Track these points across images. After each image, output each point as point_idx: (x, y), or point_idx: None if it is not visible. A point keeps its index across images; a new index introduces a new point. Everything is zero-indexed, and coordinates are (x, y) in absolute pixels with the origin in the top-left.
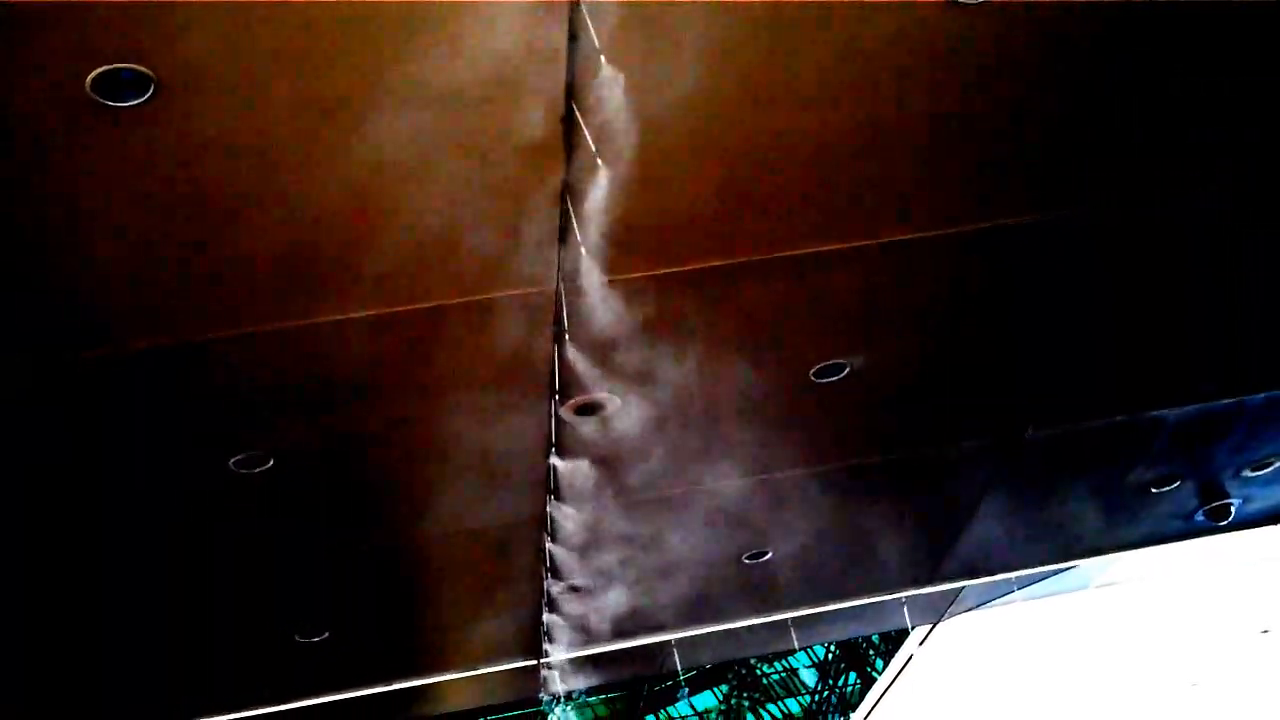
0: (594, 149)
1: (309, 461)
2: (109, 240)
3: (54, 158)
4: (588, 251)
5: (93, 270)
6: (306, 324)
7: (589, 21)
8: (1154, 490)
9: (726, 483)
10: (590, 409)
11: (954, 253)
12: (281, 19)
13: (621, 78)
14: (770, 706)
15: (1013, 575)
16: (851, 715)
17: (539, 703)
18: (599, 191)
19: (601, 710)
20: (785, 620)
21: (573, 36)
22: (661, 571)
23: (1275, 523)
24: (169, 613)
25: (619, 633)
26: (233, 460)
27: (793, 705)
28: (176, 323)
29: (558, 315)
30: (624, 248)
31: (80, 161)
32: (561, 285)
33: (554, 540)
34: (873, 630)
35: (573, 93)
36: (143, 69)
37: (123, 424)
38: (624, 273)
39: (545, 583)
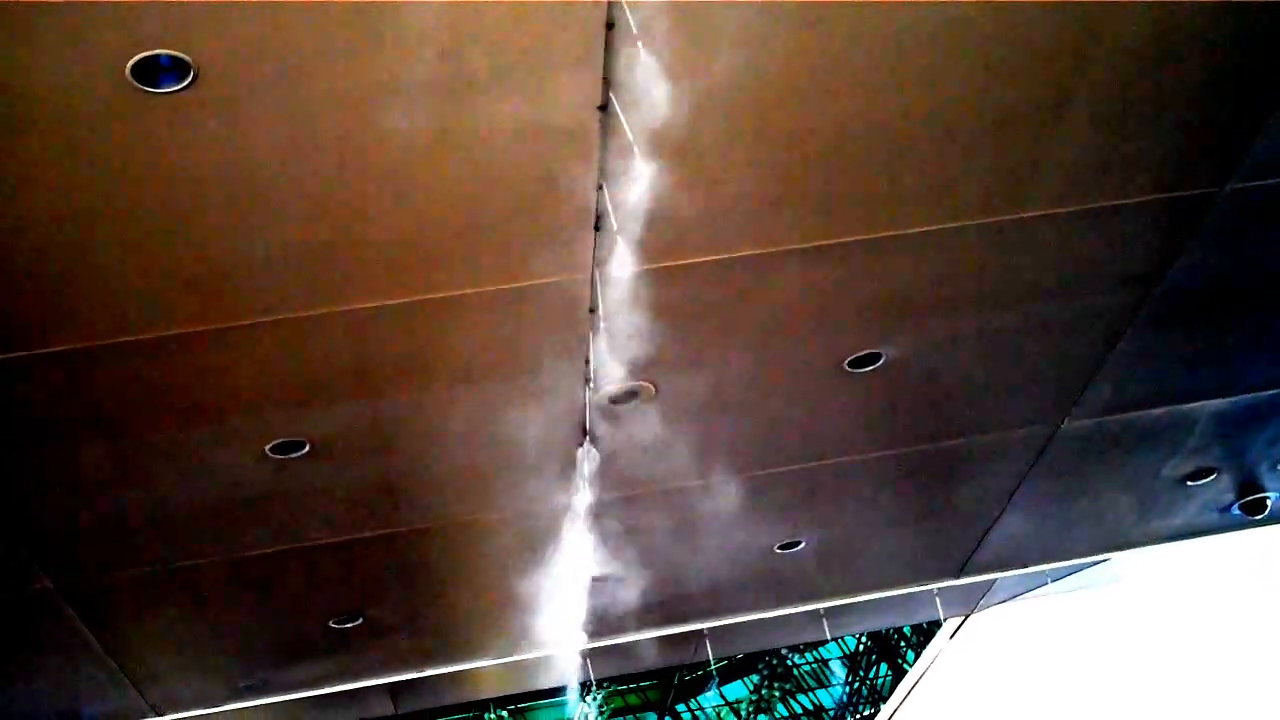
0: (630, 137)
1: (344, 447)
2: (145, 225)
3: (93, 142)
4: (623, 240)
5: (129, 255)
6: (342, 311)
7: (627, 9)
8: (1189, 483)
9: (759, 472)
10: (624, 397)
11: (990, 242)
12: (319, 7)
13: (659, 66)
14: (801, 697)
15: (1046, 568)
16: (882, 707)
17: (570, 691)
18: (634, 180)
19: (633, 699)
20: (817, 610)
21: (610, 24)
22: (693, 561)
23: None
24: (204, 597)
25: (650, 621)
26: (269, 447)
27: (823, 696)
28: (213, 309)
29: (592, 303)
30: (658, 236)
31: (118, 146)
32: (596, 273)
33: (586, 529)
34: (904, 621)
35: (610, 81)
36: (183, 55)
37: (160, 410)
38: (658, 261)
39: (577, 570)
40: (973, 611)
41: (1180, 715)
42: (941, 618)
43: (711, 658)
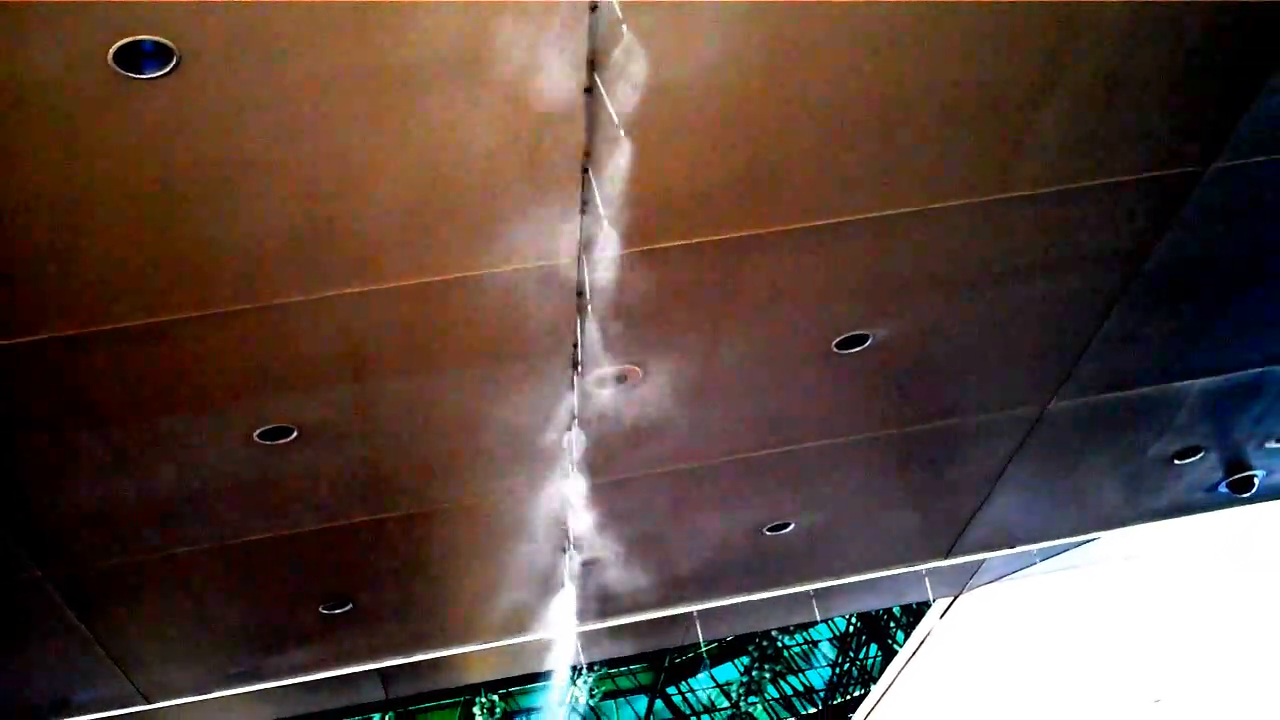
0: (616, 119)
1: (332, 434)
2: (130, 212)
3: (77, 129)
4: (609, 222)
5: (114, 242)
6: (327, 296)
7: None
8: (1177, 462)
9: (748, 454)
10: (612, 380)
11: (976, 223)
12: None
13: (643, 47)
14: (791, 678)
15: (1034, 547)
16: (872, 687)
17: (561, 674)
18: (621, 162)
19: (624, 682)
20: (807, 592)
21: (593, 6)
22: (683, 543)
23: None
24: (193, 584)
25: (641, 605)
26: (257, 433)
27: (814, 677)
28: (198, 294)
29: (580, 287)
30: (645, 219)
31: (102, 132)
32: (583, 257)
33: (576, 512)
34: (894, 602)
35: (595, 63)
36: (165, 41)
37: (147, 396)
38: (645, 244)
39: (567, 555)
40: (962, 592)
41: (1168, 692)
42: (931, 598)
43: (702, 640)
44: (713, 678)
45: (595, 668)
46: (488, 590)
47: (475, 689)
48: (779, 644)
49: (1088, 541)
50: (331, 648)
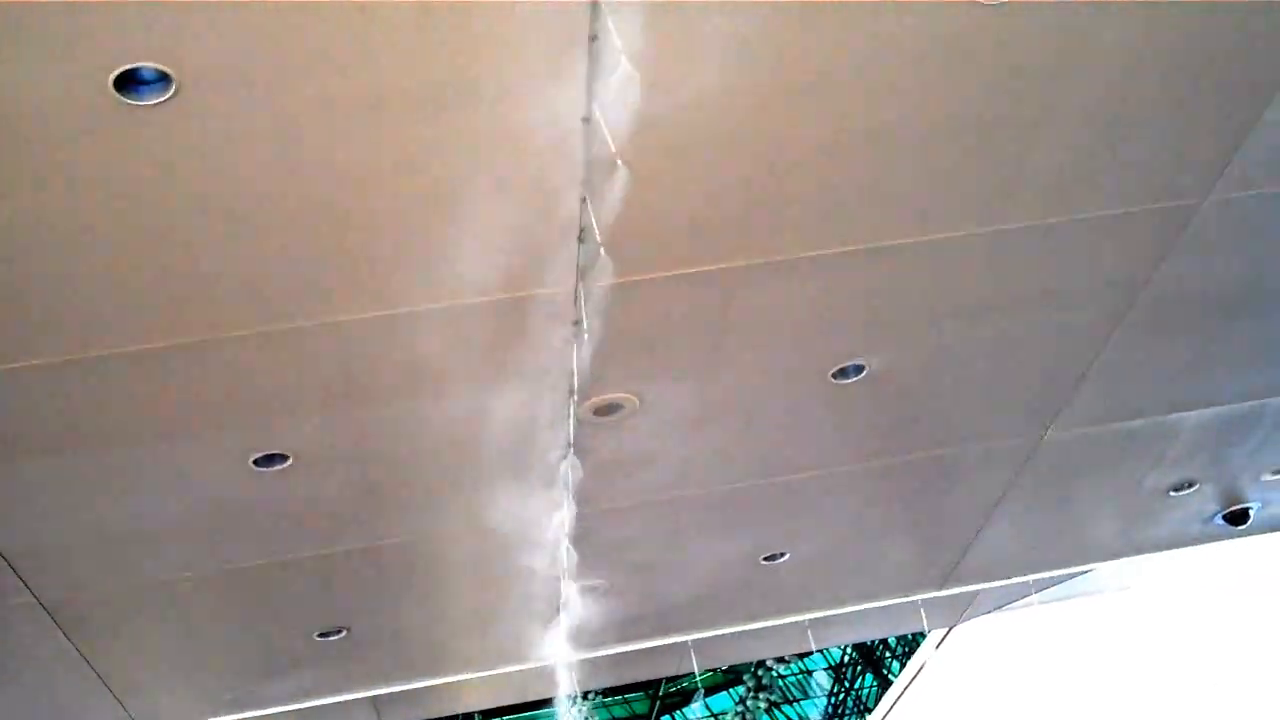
0: (613, 148)
1: (328, 460)
2: (127, 238)
3: (75, 155)
4: (606, 251)
5: (111, 268)
6: (325, 323)
7: (609, 20)
8: (1172, 494)
9: (744, 483)
10: (608, 410)
11: (973, 253)
12: (303, 19)
13: (641, 76)
14: (786, 708)
15: (1030, 578)
16: (868, 718)
17: (556, 703)
18: (618, 191)
19: (618, 711)
20: (802, 622)
21: (593, 36)
22: (678, 573)
23: None
24: (187, 610)
25: (635, 634)
26: (252, 459)
27: (809, 707)
28: (195, 321)
29: (576, 316)
30: (642, 248)
31: (101, 158)
32: (580, 285)
33: (571, 541)
34: (889, 632)
35: (593, 92)
36: (165, 68)
37: (142, 423)
38: (643, 273)
39: (562, 583)
40: (957, 622)
41: None
42: (926, 629)
43: (697, 669)
44: (708, 707)
45: (590, 696)
46: (482, 618)
47: (469, 717)
48: (774, 674)
49: (1083, 573)
50: (325, 675)
